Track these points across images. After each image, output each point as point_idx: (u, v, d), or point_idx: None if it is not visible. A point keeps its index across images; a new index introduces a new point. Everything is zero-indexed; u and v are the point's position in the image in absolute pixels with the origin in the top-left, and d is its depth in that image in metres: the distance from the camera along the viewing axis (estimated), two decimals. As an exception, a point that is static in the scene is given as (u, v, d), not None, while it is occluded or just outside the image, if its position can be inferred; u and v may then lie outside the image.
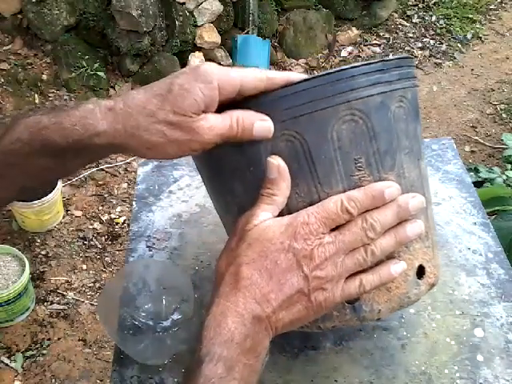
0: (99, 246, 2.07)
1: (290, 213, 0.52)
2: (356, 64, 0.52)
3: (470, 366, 0.65)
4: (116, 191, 2.27)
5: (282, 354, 0.67)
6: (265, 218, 0.51)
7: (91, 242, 2.08)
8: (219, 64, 0.52)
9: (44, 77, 2.57)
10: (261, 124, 0.52)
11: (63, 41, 2.59)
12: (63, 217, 2.14)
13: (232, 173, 0.56)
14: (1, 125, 0.55)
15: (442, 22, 3.30)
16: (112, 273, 1.99)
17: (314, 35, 3.05)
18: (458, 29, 3.26)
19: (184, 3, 2.66)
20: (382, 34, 3.22)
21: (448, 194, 0.86)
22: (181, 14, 2.64)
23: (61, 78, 2.57)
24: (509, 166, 2.00)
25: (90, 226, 2.13)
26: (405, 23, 3.30)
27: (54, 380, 1.71)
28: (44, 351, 1.77)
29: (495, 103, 2.81)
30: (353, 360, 0.66)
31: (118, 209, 2.21)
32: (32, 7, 2.51)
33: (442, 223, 0.81)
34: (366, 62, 0.52)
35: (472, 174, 1.80)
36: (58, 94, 2.55)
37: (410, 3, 3.40)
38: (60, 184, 2.02)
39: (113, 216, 2.18)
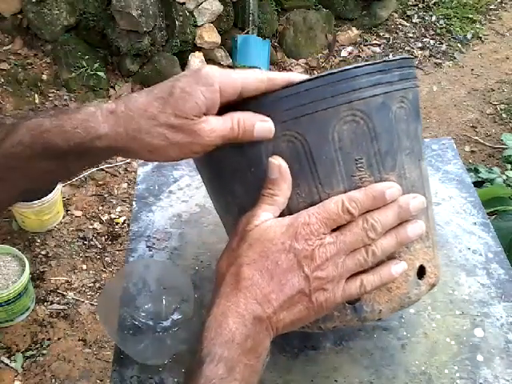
0: (99, 246, 2.07)
1: (290, 213, 0.52)
2: (359, 64, 0.52)
3: (470, 365, 0.65)
4: (116, 191, 2.27)
5: (282, 353, 0.67)
6: (266, 218, 0.51)
7: (91, 242, 2.08)
8: (219, 64, 0.52)
9: (44, 77, 2.57)
10: (261, 125, 0.52)
11: (63, 41, 2.59)
12: (63, 217, 2.14)
13: (233, 174, 0.56)
14: (1, 125, 0.55)
15: (442, 22, 3.30)
16: (112, 273, 1.99)
17: (313, 35, 3.05)
18: (458, 29, 3.26)
19: (184, 3, 2.66)
20: (382, 33, 3.22)
21: (448, 194, 0.86)
22: (181, 14, 2.64)
23: (61, 78, 2.57)
24: (509, 166, 2.00)
25: (90, 226, 2.14)
26: (405, 23, 3.30)
27: (53, 380, 1.71)
28: (44, 351, 1.77)
29: (495, 103, 2.81)
30: (353, 360, 0.66)
31: (118, 209, 2.21)
32: (32, 7, 2.52)
33: (441, 223, 0.81)
34: (368, 63, 0.52)
35: (472, 174, 1.80)
36: (57, 94, 2.55)
37: (410, 3, 3.40)
38: (60, 184, 2.02)
39: (113, 216, 2.18)
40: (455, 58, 3.10)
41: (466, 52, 3.15)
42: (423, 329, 0.69)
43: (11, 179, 0.54)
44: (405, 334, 0.68)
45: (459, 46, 3.18)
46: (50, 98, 2.53)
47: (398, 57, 0.55)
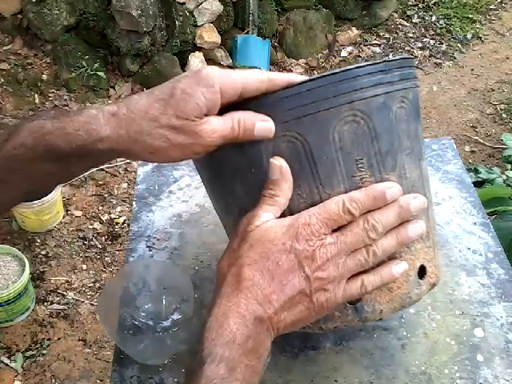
0: (99, 246, 2.07)
1: (291, 214, 0.52)
2: (360, 64, 0.52)
3: (469, 365, 0.65)
4: (116, 191, 2.27)
5: (282, 353, 0.67)
6: (267, 218, 0.51)
7: (91, 242, 2.08)
8: (219, 64, 0.52)
9: (44, 77, 2.57)
10: (262, 124, 0.52)
11: (63, 41, 2.59)
12: (63, 217, 2.14)
13: (233, 174, 0.56)
14: (1, 126, 0.55)
15: (442, 21, 3.31)
16: (112, 273, 1.99)
17: (313, 35, 3.05)
18: (458, 29, 3.26)
19: (184, 3, 2.66)
20: (382, 33, 3.22)
21: (448, 194, 0.86)
22: (181, 14, 2.64)
23: (61, 78, 2.57)
24: (509, 166, 2.00)
25: (90, 226, 2.14)
26: (405, 23, 3.30)
27: (53, 380, 1.71)
28: (44, 351, 1.77)
29: (495, 103, 2.81)
30: (353, 360, 0.66)
31: (118, 209, 2.21)
32: (32, 7, 2.52)
33: (441, 223, 0.81)
34: (369, 63, 0.52)
35: (472, 174, 1.80)
36: (57, 94, 2.55)
37: (410, 3, 3.40)
38: (60, 185, 2.02)
39: (113, 216, 2.18)
40: (455, 58, 3.10)
41: (466, 52, 3.15)
42: (423, 329, 0.69)
43: (13, 181, 0.54)
44: (405, 333, 0.68)
45: (459, 46, 3.18)
46: (50, 98, 2.53)
47: (398, 57, 0.55)
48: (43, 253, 2.03)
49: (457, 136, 2.61)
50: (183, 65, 2.70)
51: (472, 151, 2.55)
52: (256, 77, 0.52)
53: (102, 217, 2.17)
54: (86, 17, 2.59)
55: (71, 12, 2.57)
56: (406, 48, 3.14)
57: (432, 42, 3.19)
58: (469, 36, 3.23)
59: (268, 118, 0.52)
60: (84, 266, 2.01)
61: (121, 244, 2.08)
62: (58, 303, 1.90)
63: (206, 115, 0.51)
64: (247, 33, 2.85)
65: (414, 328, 0.69)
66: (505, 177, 1.85)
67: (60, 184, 0.63)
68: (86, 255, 2.04)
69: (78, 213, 2.17)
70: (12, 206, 0.60)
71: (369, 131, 0.52)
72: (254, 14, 2.83)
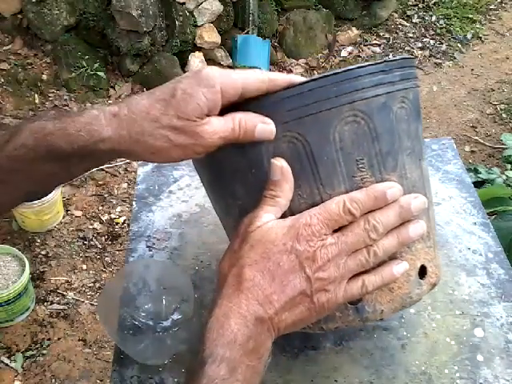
0: (99, 246, 2.07)
1: (292, 214, 0.52)
2: (361, 64, 0.52)
3: (469, 365, 0.65)
4: (116, 191, 2.27)
5: (282, 353, 0.67)
6: (267, 219, 0.51)
7: (91, 242, 2.08)
8: (219, 64, 0.52)
9: (44, 77, 2.57)
10: (263, 126, 0.52)
11: (63, 41, 2.59)
12: (63, 217, 2.14)
13: (233, 175, 0.56)
14: (2, 126, 0.55)
15: (442, 21, 3.31)
16: (112, 273, 1.99)
17: (313, 35, 3.05)
18: (458, 29, 3.26)
19: (184, 3, 2.66)
20: (382, 33, 3.22)
21: (448, 194, 0.86)
22: (181, 14, 2.64)
23: (61, 78, 2.57)
24: (508, 166, 2.00)
25: (90, 226, 2.14)
26: (405, 23, 3.30)
27: (53, 380, 1.71)
28: (44, 351, 1.77)
29: (495, 103, 2.81)
30: (353, 360, 0.66)
31: (118, 209, 2.21)
32: (32, 7, 2.52)
33: (442, 223, 0.81)
34: (370, 63, 0.52)
35: (472, 174, 1.80)
36: (57, 94, 2.55)
37: (410, 3, 3.40)
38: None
39: (113, 216, 2.18)
40: (455, 58, 3.10)
41: (466, 52, 3.15)
42: (423, 329, 0.69)
43: (14, 181, 0.54)
44: (405, 333, 0.68)
45: (459, 46, 3.18)
46: (50, 98, 2.53)
47: (399, 57, 0.55)
48: (43, 253, 2.03)
49: (457, 136, 2.61)
50: (183, 65, 2.70)
51: (472, 151, 2.55)
52: (256, 77, 0.52)
53: (101, 217, 2.17)
54: (85, 17, 2.59)
55: (71, 12, 2.57)
56: (406, 48, 3.14)
57: (432, 41, 3.19)
58: (469, 36, 3.23)
59: (269, 121, 0.52)
60: (84, 266, 2.01)
61: (121, 244, 2.08)
62: (58, 303, 1.90)
63: (207, 115, 0.51)
64: (247, 33, 2.85)
65: (414, 328, 0.69)
66: (505, 177, 1.85)
67: (61, 184, 0.63)
68: (86, 255, 2.04)
69: (78, 213, 2.17)
70: (13, 207, 0.60)
71: (369, 131, 0.52)
72: (254, 14, 2.83)
